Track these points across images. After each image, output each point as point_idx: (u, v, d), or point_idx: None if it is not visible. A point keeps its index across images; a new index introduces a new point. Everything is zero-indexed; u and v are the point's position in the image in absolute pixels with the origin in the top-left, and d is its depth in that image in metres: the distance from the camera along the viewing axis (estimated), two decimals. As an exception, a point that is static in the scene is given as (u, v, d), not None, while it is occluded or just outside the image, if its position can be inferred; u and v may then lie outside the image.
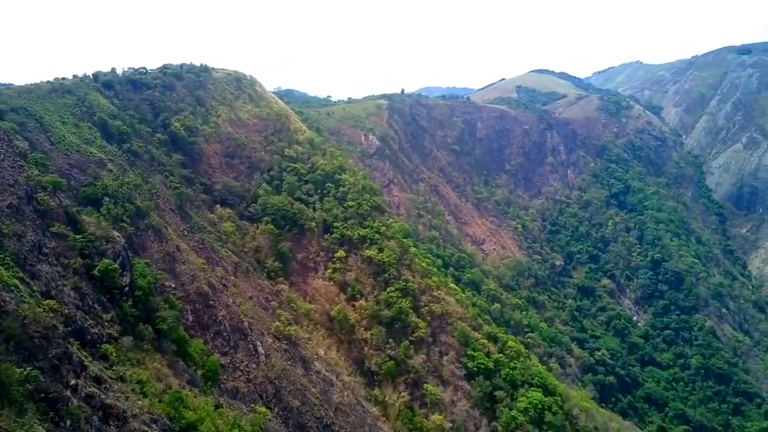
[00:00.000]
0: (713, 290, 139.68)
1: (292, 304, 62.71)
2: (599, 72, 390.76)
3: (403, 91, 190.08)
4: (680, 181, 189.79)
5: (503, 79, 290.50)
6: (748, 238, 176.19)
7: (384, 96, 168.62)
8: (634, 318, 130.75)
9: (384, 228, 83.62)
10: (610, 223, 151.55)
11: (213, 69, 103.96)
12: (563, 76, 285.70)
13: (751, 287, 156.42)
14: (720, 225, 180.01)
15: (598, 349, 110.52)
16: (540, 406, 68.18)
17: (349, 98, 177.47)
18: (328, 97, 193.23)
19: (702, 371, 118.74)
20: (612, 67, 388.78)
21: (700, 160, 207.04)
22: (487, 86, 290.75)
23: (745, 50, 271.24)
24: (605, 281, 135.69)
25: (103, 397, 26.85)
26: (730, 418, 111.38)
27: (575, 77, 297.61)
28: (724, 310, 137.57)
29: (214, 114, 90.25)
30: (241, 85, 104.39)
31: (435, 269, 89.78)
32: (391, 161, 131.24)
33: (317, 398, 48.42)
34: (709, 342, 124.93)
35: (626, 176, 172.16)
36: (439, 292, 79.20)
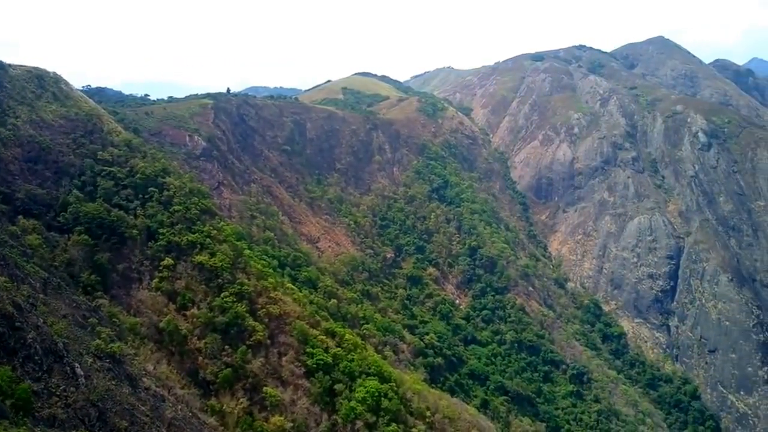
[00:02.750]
0: (521, 271, 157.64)
1: (114, 319, 57.83)
2: (416, 76, 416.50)
3: (228, 90, 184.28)
4: (490, 175, 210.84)
5: (329, 81, 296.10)
6: (547, 223, 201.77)
7: (208, 95, 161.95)
8: (457, 301, 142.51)
9: (215, 232, 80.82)
10: (432, 216, 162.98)
11: (10, 66, 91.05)
12: (385, 79, 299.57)
13: (551, 266, 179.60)
14: (524, 213, 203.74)
15: (427, 334, 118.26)
16: (377, 394, 70.94)
17: (170, 97, 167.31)
18: (146, 95, 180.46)
19: (516, 345, 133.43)
20: (427, 72, 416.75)
21: (505, 156, 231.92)
22: (314, 87, 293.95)
23: (538, 57, 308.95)
24: (431, 269, 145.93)
25: None
26: (541, 385, 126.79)
27: (396, 80, 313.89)
28: (530, 288, 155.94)
29: (12, 115, 79.28)
30: (43, 83, 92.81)
31: (271, 270, 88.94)
32: (220, 162, 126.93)
33: (147, 416, 45.52)
34: (520, 318, 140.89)
35: (444, 172, 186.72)
36: (276, 293, 78.71)
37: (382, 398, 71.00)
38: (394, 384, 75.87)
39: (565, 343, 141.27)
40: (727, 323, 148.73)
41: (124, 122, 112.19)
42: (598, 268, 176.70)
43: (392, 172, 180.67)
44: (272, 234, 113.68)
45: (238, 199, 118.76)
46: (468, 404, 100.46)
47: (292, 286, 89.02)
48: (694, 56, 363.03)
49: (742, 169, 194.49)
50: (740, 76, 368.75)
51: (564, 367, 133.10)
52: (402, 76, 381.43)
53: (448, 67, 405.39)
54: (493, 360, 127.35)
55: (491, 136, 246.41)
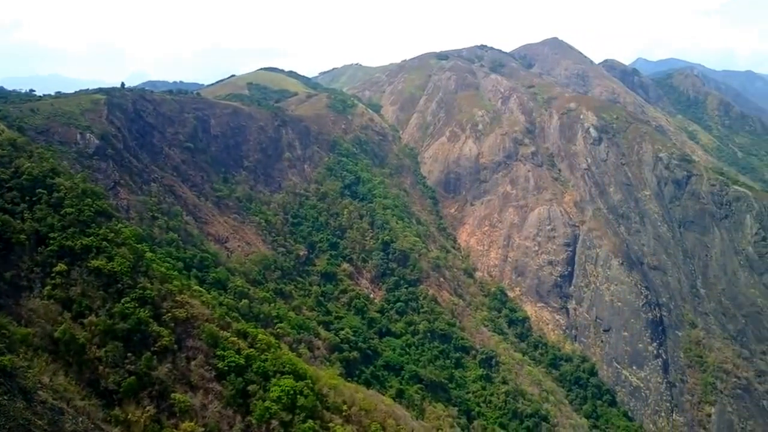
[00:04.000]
0: (432, 263, 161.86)
1: (3, 331, 53.30)
2: (324, 72, 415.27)
3: (123, 85, 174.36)
4: (400, 170, 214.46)
5: (233, 76, 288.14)
6: (456, 216, 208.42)
7: (101, 90, 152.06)
8: (371, 295, 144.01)
9: (112, 234, 76.20)
10: (345, 212, 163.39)
11: None
12: (292, 74, 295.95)
13: (461, 257, 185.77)
14: (434, 207, 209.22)
15: (342, 329, 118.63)
16: (292, 392, 70.16)
17: (58, 92, 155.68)
18: (31, 90, 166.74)
19: (428, 334, 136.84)
20: (336, 68, 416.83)
21: (415, 152, 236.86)
22: (217, 82, 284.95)
23: (443, 56, 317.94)
24: (345, 265, 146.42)
25: None
26: (453, 371, 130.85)
27: (304, 76, 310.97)
28: (441, 279, 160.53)
29: None
30: None
31: (176, 273, 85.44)
32: (116, 161, 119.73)
33: (45, 430, 42.53)
34: (432, 308, 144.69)
35: (356, 168, 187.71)
36: (183, 296, 75.60)
37: (298, 396, 70.32)
38: (309, 381, 75.33)
39: (474, 329, 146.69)
40: (619, 304, 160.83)
41: (7, 120, 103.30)
42: (503, 257, 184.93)
43: (303, 169, 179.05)
44: (176, 235, 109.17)
45: (137, 200, 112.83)
46: (384, 395, 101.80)
47: (200, 289, 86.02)
48: (585, 56, 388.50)
49: (629, 162, 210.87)
50: (627, 75, 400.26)
51: (474, 352, 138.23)
52: (310, 72, 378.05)
53: (357, 64, 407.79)
54: (408, 350, 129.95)
55: (401, 132, 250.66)
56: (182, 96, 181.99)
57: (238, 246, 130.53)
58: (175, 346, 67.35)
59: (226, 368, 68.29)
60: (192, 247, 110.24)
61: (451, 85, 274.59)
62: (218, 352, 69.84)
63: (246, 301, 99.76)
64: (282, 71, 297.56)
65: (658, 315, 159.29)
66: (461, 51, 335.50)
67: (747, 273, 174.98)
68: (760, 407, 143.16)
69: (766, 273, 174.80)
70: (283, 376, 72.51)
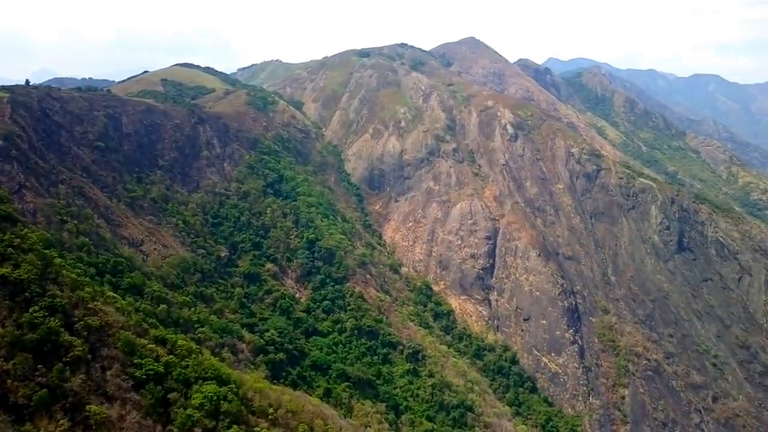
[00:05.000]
0: (358, 260, 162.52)
1: None
2: (244, 68, 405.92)
3: (28, 82, 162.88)
4: (324, 168, 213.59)
5: (146, 72, 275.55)
6: (381, 212, 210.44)
7: (3, 87, 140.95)
8: (297, 295, 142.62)
9: (18, 240, 71.19)
10: (268, 211, 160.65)
11: None
12: (210, 70, 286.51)
13: (386, 254, 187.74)
14: (359, 204, 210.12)
15: (267, 330, 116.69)
16: (215, 398, 68.45)
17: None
18: None
19: (356, 331, 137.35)
20: (255, 64, 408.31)
21: (339, 149, 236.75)
22: (129, 78, 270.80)
23: (364, 53, 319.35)
24: (269, 265, 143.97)
25: None
26: (380, 367, 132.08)
27: (222, 72, 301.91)
28: (368, 276, 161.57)
29: None
30: None
31: (88, 279, 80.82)
32: (21, 163, 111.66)
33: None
34: (359, 305, 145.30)
35: (279, 166, 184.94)
36: (96, 303, 71.77)
37: (222, 402, 68.65)
38: (233, 386, 73.68)
39: (401, 324, 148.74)
40: (537, 293, 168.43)
41: None
42: (427, 251, 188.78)
43: (223, 167, 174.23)
44: (87, 239, 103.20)
45: (44, 203, 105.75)
46: (311, 395, 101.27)
47: (114, 295, 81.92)
48: (501, 56, 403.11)
49: (544, 157, 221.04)
50: (540, 74, 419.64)
51: (401, 347, 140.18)
52: (228, 68, 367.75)
53: (277, 61, 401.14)
54: (335, 349, 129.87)
55: (324, 129, 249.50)
56: (92, 93, 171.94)
57: (155, 249, 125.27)
58: (89, 355, 63.99)
59: (144, 377, 65.58)
60: (105, 252, 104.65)
61: (373, 82, 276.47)
62: (135, 361, 66.96)
63: (164, 306, 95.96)
64: (198, 67, 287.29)
65: (574, 303, 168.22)
66: (382, 49, 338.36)
67: (653, 260, 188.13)
68: (670, 387, 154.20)
69: (670, 260, 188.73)
70: (206, 382, 70.56)
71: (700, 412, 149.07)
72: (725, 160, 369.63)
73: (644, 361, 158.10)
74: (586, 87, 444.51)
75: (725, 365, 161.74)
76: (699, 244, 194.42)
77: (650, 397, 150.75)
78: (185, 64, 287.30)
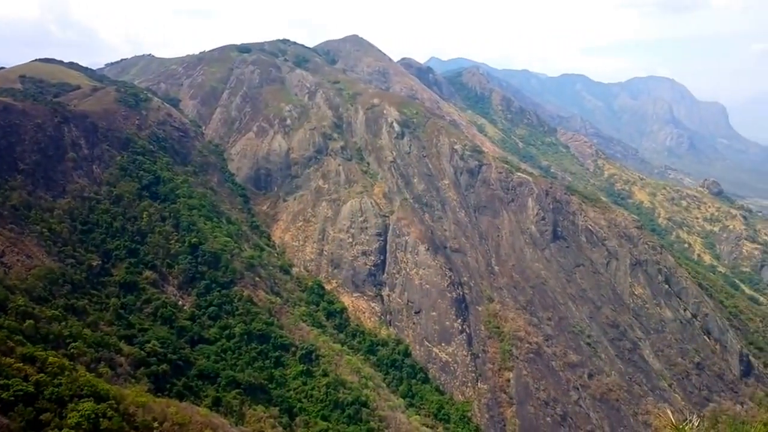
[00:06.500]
0: (246, 263, 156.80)
1: None
2: (112, 63, 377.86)
3: None
4: (206, 168, 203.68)
5: (2, 68, 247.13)
6: (269, 213, 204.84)
7: None
8: (180, 302, 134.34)
9: None
10: (145, 215, 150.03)
11: None
12: (74, 66, 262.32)
13: (276, 255, 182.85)
14: (245, 205, 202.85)
15: (148, 342, 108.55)
16: (93, 416, 63.10)
17: None
18: None
19: (245, 337, 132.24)
20: (125, 59, 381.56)
21: (221, 148, 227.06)
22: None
23: (245, 49, 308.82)
24: (147, 273, 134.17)
25: None
26: (273, 371, 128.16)
27: (88, 68, 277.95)
28: (257, 278, 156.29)
29: None
30: None
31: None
32: None
33: None
34: (249, 309, 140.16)
35: (155, 167, 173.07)
36: (-63, 324, 62.75)
37: (100, 419, 63.25)
38: (112, 401, 68.13)
39: (293, 326, 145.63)
40: (427, 286, 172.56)
41: None
42: (319, 251, 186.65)
43: (92, 170, 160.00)
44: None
45: None
46: (199, 405, 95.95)
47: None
48: (385, 54, 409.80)
49: (430, 154, 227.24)
50: (422, 72, 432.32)
51: (294, 349, 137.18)
52: (94, 63, 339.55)
53: (149, 55, 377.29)
54: (223, 356, 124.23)
55: (204, 128, 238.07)
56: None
57: (18, 260, 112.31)
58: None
59: (12, 398, 59.31)
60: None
61: (255, 78, 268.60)
62: (1, 382, 60.36)
63: (31, 321, 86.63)
64: (61, 62, 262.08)
65: (461, 293, 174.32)
66: (263, 45, 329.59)
67: (531, 249, 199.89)
68: (550, 368, 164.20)
69: (546, 248, 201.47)
70: (82, 400, 65.12)
71: (578, 389, 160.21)
72: (592, 154, 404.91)
73: (526, 345, 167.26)
74: (466, 86, 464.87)
75: (598, 344, 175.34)
76: (571, 233, 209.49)
77: (533, 378, 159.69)
78: (46, 59, 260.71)
